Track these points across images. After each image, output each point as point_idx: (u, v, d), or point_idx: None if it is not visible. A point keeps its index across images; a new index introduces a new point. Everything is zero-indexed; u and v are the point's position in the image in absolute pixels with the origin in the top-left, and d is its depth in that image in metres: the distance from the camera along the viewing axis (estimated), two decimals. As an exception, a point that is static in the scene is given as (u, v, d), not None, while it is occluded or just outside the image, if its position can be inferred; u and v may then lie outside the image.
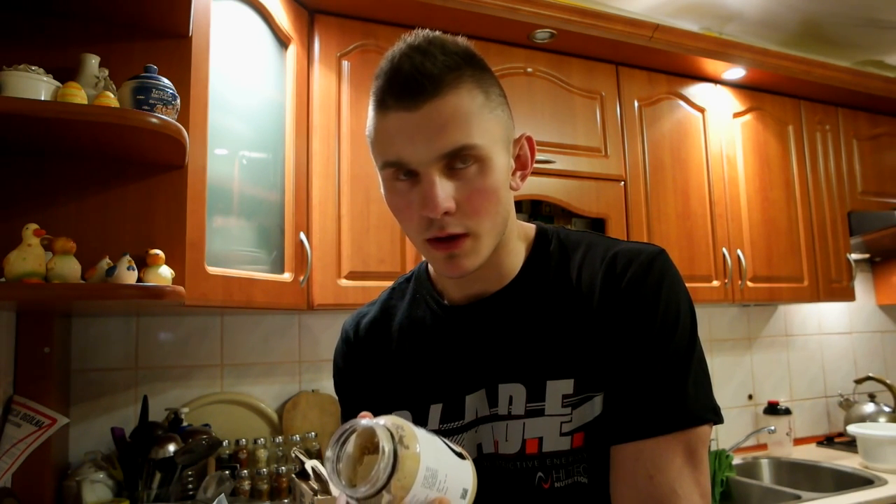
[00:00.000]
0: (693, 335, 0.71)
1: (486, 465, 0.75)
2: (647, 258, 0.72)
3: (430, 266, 0.86)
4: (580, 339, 0.72)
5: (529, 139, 0.77)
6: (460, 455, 0.60)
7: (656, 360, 0.68)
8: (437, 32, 0.70)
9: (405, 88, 0.66)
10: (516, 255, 0.79)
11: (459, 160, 0.67)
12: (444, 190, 0.66)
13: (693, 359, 0.69)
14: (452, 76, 0.67)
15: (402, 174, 0.69)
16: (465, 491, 0.58)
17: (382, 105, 0.69)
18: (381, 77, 0.69)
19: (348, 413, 0.89)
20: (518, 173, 0.76)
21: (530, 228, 0.82)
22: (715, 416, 0.68)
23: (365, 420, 0.55)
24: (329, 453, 0.54)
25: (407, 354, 0.83)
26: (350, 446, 0.55)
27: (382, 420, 0.54)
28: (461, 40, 0.71)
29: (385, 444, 0.51)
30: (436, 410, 0.78)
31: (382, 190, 0.74)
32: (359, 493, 0.51)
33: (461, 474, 0.58)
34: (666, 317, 0.69)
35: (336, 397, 0.94)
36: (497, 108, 0.71)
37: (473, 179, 0.68)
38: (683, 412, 0.66)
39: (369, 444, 0.55)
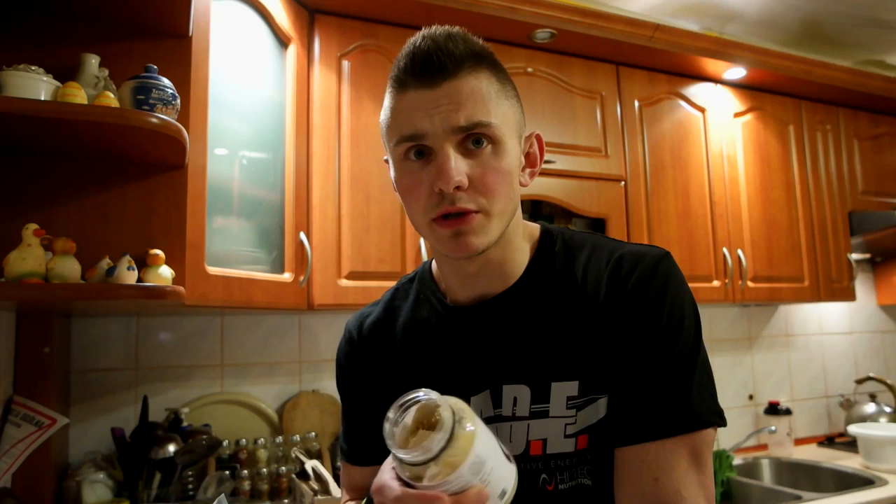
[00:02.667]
0: (697, 338, 0.70)
1: None
2: (653, 261, 0.72)
3: (433, 266, 0.86)
4: (585, 341, 0.72)
5: (539, 138, 0.78)
6: (508, 457, 0.60)
7: (661, 363, 0.68)
8: (457, 27, 0.72)
9: (426, 66, 0.68)
10: (521, 254, 0.78)
11: (474, 139, 0.68)
12: (459, 164, 0.67)
13: (698, 362, 0.69)
14: (472, 61, 0.69)
15: (414, 153, 0.69)
16: (505, 492, 0.58)
17: (401, 85, 0.70)
18: (401, 61, 0.70)
19: (351, 415, 0.89)
20: (527, 170, 0.77)
21: (535, 228, 0.82)
22: (719, 420, 0.68)
23: (433, 394, 0.56)
24: (390, 415, 0.56)
25: (411, 355, 0.82)
26: (409, 417, 0.56)
27: (447, 398, 0.56)
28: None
29: (446, 417, 0.53)
30: None
31: (392, 173, 0.74)
32: (409, 456, 0.53)
33: (505, 474, 0.58)
34: (671, 320, 0.69)
35: (336, 397, 0.93)
36: (512, 98, 0.73)
37: (488, 159, 0.68)
38: (689, 415, 0.66)
39: (426, 420, 0.56)
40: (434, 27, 0.71)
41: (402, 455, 0.54)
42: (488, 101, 0.68)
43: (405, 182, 0.71)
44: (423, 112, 0.68)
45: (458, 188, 0.67)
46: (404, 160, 0.71)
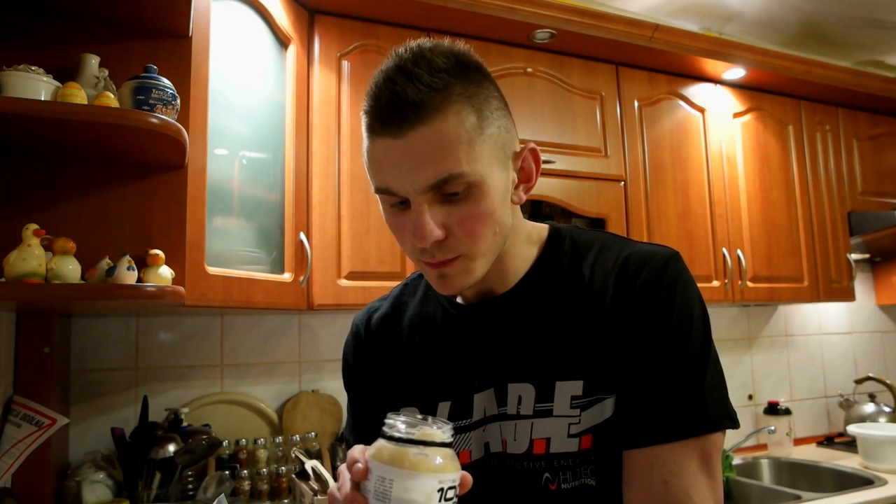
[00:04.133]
0: (707, 339, 0.70)
1: (494, 465, 0.75)
2: (662, 261, 0.72)
3: None
4: (591, 341, 0.72)
5: (533, 151, 0.74)
6: None
7: (671, 365, 0.67)
8: (430, 43, 0.67)
9: (388, 116, 0.64)
10: (522, 259, 0.78)
11: (449, 188, 0.65)
12: (434, 219, 0.65)
13: (709, 363, 0.69)
14: (439, 99, 0.63)
15: (393, 200, 0.68)
16: None
17: (370, 129, 0.67)
18: (368, 99, 0.67)
19: (357, 409, 0.89)
20: (521, 186, 0.74)
21: (543, 229, 0.82)
22: (730, 423, 0.68)
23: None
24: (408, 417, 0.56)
25: (417, 351, 0.83)
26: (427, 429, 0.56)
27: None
28: (456, 49, 0.68)
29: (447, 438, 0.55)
30: (444, 408, 0.78)
31: (381, 207, 0.74)
32: (410, 429, 0.55)
33: None
34: (680, 321, 0.69)
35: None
36: (492, 125, 0.67)
37: (465, 205, 0.66)
38: (700, 418, 0.66)
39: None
40: (404, 49, 0.67)
41: (402, 420, 0.55)
42: (458, 145, 0.63)
43: (390, 223, 0.71)
44: (392, 166, 0.65)
45: (436, 240, 0.66)
46: (386, 203, 0.70)
